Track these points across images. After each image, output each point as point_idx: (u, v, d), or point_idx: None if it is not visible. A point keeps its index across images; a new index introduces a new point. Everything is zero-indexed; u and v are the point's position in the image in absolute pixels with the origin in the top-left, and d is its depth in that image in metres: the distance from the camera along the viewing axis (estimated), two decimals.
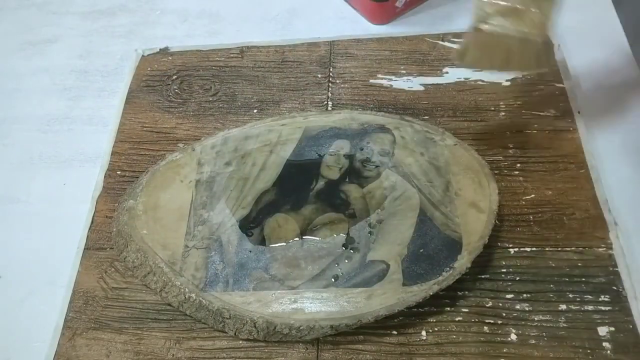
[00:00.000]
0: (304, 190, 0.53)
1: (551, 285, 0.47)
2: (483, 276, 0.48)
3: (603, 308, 0.46)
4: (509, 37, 0.44)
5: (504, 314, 0.47)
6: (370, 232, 0.50)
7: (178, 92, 0.65)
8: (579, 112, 0.57)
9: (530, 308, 0.47)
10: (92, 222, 0.56)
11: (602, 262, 0.48)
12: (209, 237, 0.51)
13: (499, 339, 0.46)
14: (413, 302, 0.45)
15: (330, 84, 0.63)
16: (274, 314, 0.46)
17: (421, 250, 0.48)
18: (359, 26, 0.69)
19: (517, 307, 0.47)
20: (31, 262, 0.55)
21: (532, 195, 0.52)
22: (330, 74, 0.64)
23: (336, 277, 0.47)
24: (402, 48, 0.65)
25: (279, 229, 0.51)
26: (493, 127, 0.57)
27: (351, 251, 0.49)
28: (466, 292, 0.48)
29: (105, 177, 0.59)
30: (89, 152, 0.62)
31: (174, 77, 0.67)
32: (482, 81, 0.61)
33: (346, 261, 0.48)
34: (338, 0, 0.72)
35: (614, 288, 0.47)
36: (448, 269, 0.46)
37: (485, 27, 0.44)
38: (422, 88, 0.61)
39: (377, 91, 0.62)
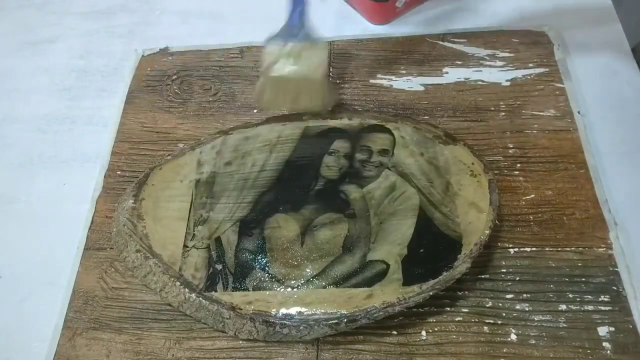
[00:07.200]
0: (304, 190, 0.53)
1: (551, 285, 0.47)
2: (483, 276, 0.48)
3: (603, 308, 0.46)
4: (292, 79, 0.54)
5: (504, 314, 0.47)
6: (370, 232, 0.50)
7: (178, 92, 0.65)
8: (579, 112, 0.57)
9: (530, 308, 0.47)
10: (92, 222, 0.56)
11: (602, 262, 0.48)
12: (209, 237, 0.51)
13: (499, 339, 0.46)
14: (413, 302, 0.45)
15: None
16: (274, 314, 0.46)
17: (421, 250, 0.48)
18: (359, 26, 0.69)
19: (517, 307, 0.47)
20: (31, 262, 0.55)
21: (532, 195, 0.52)
22: (330, 74, 0.64)
23: (336, 277, 0.47)
24: (402, 48, 0.65)
25: (279, 229, 0.51)
26: (493, 127, 0.57)
27: (351, 251, 0.49)
28: (466, 292, 0.48)
29: (105, 177, 0.59)
30: (89, 152, 0.62)
31: (174, 77, 0.67)
32: (482, 81, 0.61)
33: (346, 261, 0.48)
34: (338, 0, 0.72)
35: (614, 288, 0.47)
36: (448, 269, 0.46)
37: (273, 73, 0.54)
38: (422, 88, 0.61)
39: (377, 91, 0.62)
